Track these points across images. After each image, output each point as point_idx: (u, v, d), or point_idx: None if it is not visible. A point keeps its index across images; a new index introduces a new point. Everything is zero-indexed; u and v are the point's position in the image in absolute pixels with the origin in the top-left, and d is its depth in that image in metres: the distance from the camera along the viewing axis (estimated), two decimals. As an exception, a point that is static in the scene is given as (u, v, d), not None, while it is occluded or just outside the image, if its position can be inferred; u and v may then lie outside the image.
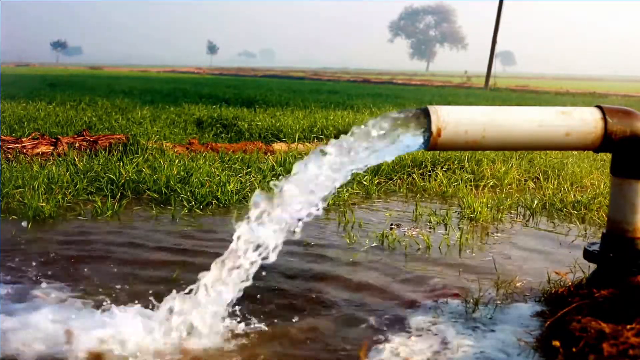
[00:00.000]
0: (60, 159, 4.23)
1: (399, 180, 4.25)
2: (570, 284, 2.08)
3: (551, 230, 3.13)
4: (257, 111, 8.34)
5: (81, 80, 19.96)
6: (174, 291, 1.79)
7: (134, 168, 3.90)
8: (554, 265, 2.46)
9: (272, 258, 1.67)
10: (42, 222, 2.99)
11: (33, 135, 5.06)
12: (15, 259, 2.40)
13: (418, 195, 3.87)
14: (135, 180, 3.69)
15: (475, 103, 11.66)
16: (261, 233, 1.66)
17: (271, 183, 1.72)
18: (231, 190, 3.54)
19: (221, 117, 7.39)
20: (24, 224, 2.87)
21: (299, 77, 35.74)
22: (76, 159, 4.14)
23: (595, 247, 2.02)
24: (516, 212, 3.48)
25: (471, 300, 2.05)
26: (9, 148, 4.47)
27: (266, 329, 1.82)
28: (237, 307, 1.81)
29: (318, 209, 1.70)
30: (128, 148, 4.65)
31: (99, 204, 3.24)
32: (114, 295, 2.03)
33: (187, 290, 1.75)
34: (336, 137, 1.77)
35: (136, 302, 1.89)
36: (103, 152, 4.52)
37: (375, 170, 4.25)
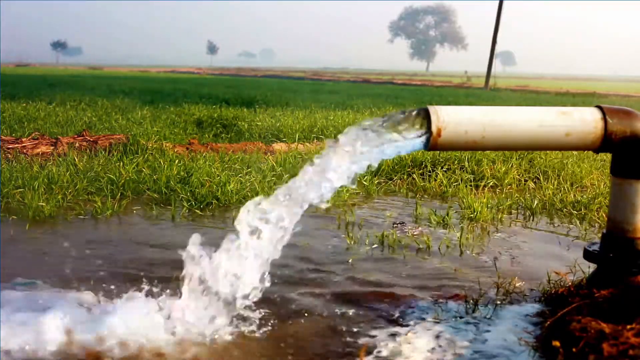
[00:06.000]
0: (60, 159, 4.23)
1: (399, 180, 4.26)
2: (570, 284, 2.08)
3: (551, 230, 3.13)
4: (257, 111, 8.34)
5: (81, 80, 19.96)
6: (173, 291, 1.79)
7: (134, 168, 3.90)
8: (554, 265, 2.46)
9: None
10: (42, 222, 2.99)
11: (33, 135, 5.06)
12: (16, 259, 2.40)
13: (418, 195, 3.87)
14: (135, 180, 3.69)
15: (475, 103, 11.66)
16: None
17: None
18: (231, 190, 3.54)
19: (221, 117, 7.39)
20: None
21: (299, 77, 35.74)
22: (76, 159, 4.14)
23: (595, 247, 2.02)
24: (516, 212, 3.48)
25: (471, 300, 2.05)
26: (9, 148, 4.47)
27: (265, 329, 1.82)
28: (236, 308, 1.81)
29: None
30: (128, 148, 4.65)
31: (99, 204, 3.24)
32: (113, 294, 2.03)
33: (186, 290, 1.75)
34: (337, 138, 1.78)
35: (136, 301, 1.88)
36: (103, 152, 4.52)
37: (375, 170, 4.24)
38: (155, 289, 1.94)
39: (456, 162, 4.53)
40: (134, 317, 1.76)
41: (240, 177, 3.89)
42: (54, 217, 3.06)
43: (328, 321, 1.89)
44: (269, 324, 1.85)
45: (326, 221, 3.17)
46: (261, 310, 1.90)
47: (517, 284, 2.23)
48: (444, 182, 4.09)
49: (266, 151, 5.02)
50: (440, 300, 2.08)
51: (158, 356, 1.63)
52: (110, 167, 3.95)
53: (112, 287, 2.08)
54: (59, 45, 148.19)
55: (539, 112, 1.83)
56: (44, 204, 3.12)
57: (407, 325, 1.87)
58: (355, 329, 1.84)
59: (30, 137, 4.90)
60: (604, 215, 3.22)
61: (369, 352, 1.68)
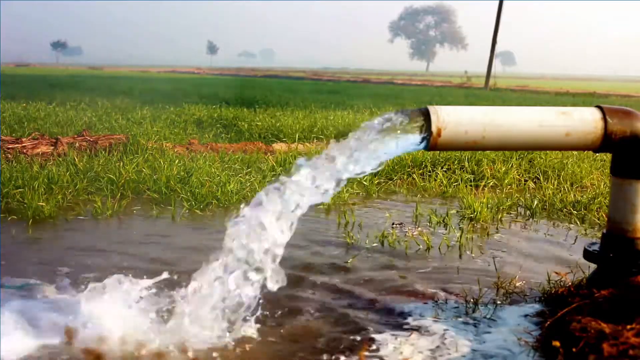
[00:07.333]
0: (60, 159, 4.23)
1: (399, 180, 4.26)
2: (570, 284, 2.08)
3: (551, 230, 3.13)
4: (257, 111, 8.34)
5: (81, 80, 19.95)
6: (174, 290, 1.79)
7: (134, 168, 3.90)
8: (554, 265, 2.46)
9: None
10: (42, 222, 2.99)
11: (33, 135, 5.06)
12: (16, 258, 2.40)
13: (418, 195, 3.87)
14: (135, 180, 3.69)
15: (475, 103, 11.66)
16: None
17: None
18: (231, 190, 3.54)
19: (221, 117, 7.39)
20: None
21: (299, 77, 35.73)
22: (76, 159, 4.14)
23: (595, 247, 2.02)
24: (516, 212, 3.48)
25: (471, 300, 2.05)
26: (9, 148, 4.47)
27: (265, 329, 1.82)
28: (236, 308, 1.81)
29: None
30: (128, 148, 4.65)
31: (99, 204, 3.24)
32: (114, 294, 2.03)
33: (187, 289, 1.75)
34: (336, 137, 1.77)
35: (136, 301, 1.88)
36: (103, 152, 4.52)
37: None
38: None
39: (456, 162, 4.53)
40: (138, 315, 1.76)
41: (240, 177, 3.89)
42: (54, 217, 3.06)
43: (327, 321, 1.89)
44: (267, 322, 1.85)
45: (326, 221, 3.18)
46: (259, 308, 1.89)
47: (517, 284, 2.23)
48: (444, 182, 4.09)
49: (266, 151, 5.02)
50: (441, 300, 2.08)
51: (158, 356, 1.63)
52: (110, 167, 3.95)
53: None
54: (59, 45, 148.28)
55: (539, 112, 1.83)
56: (44, 204, 3.12)
57: (407, 325, 1.87)
58: (355, 329, 1.84)
59: (30, 137, 4.90)
60: (604, 215, 3.22)
61: (369, 352, 1.68)
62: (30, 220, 2.96)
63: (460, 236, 2.85)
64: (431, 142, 1.73)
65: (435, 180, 4.18)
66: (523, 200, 3.67)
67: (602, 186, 4.04)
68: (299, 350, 1.70)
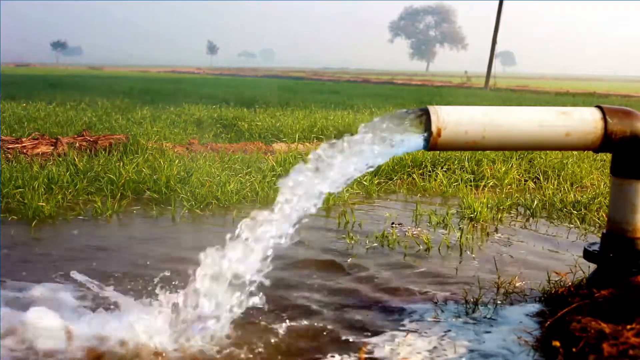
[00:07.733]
0: (60, 159, 4.23)
1: (399, 180, 4.26)
2: (570, 284, 2.08)
3: (551, 230, 3.13)
4: (257, 111, 8.34)
5: (81, 80, 19.96)
6: (173, 290, 1.79)
7: (134, 168, 3.90)
8: (554, 265, 2.46)
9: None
10: (42, 222, 2.99)
11: (33, 135, 5.06)
12: (16, 258, 2.40)
13: (418, 195, 3.87)
14: (135, 181, 3.69)
15: (475, 103, 11.66)
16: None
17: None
18: (231, 190, 3.54)
19: (221, 117, 7.39)
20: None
21: (299, 77, 35.73)
22: (76, 159, 4.14)
23: (595, 247, 2.02)
24: (516, 212, 3.48)
25: (471, 300, 2.05)
26: (9, 148, 4.47)
27: (265, 329, 1.82)
28: (235, 308, 1.81)
29: None
30: (128, 148, 4.65)
31: (99, 204, 3.24)
32: (114, 294, 2.03)
33: (187, 289, 1.75)
34: (336, 138, 1.77)
35: (136, 301, 1.88)
36: (103, 152, 4.52)
37: (375, 170, 4.24)
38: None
39: (456, 162, 4.53)
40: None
41: (240, 177, 3.89)
42: (54, 217, 3.06)
43: (326, 321, 1.89)
44: (268, 322, 1.85)
45: (327, 221, 3.17)
46: (260, 309, 1.89)
47: (517, 284, 2.23)
48: (444, 182, 4.09)
49: (266, 151, 5.02)
50: (440, 300, 2.08)
51: (157, 355, 1.63)
52: (110, 167, 3.95)
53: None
54: (59, 45, 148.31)
55: (539, 112, 1.83)
56: (44, 204, 3.12)
57: (406, 325, 1.87)
58: (354, 329, 1.84)
59: (30, 137, 4.91)
60: (604, 215, 3.22)
61: (368, 352, 1.68)
62: (34, 222, 2.96)
63: (460, 236, 2.85)
64: (431, 142, 1.73)
65: (435, 180, 4.18)
66: (523, 200, 3.67)
67: (602, 186, 4.04)
68: (297, 350, 1.70)
